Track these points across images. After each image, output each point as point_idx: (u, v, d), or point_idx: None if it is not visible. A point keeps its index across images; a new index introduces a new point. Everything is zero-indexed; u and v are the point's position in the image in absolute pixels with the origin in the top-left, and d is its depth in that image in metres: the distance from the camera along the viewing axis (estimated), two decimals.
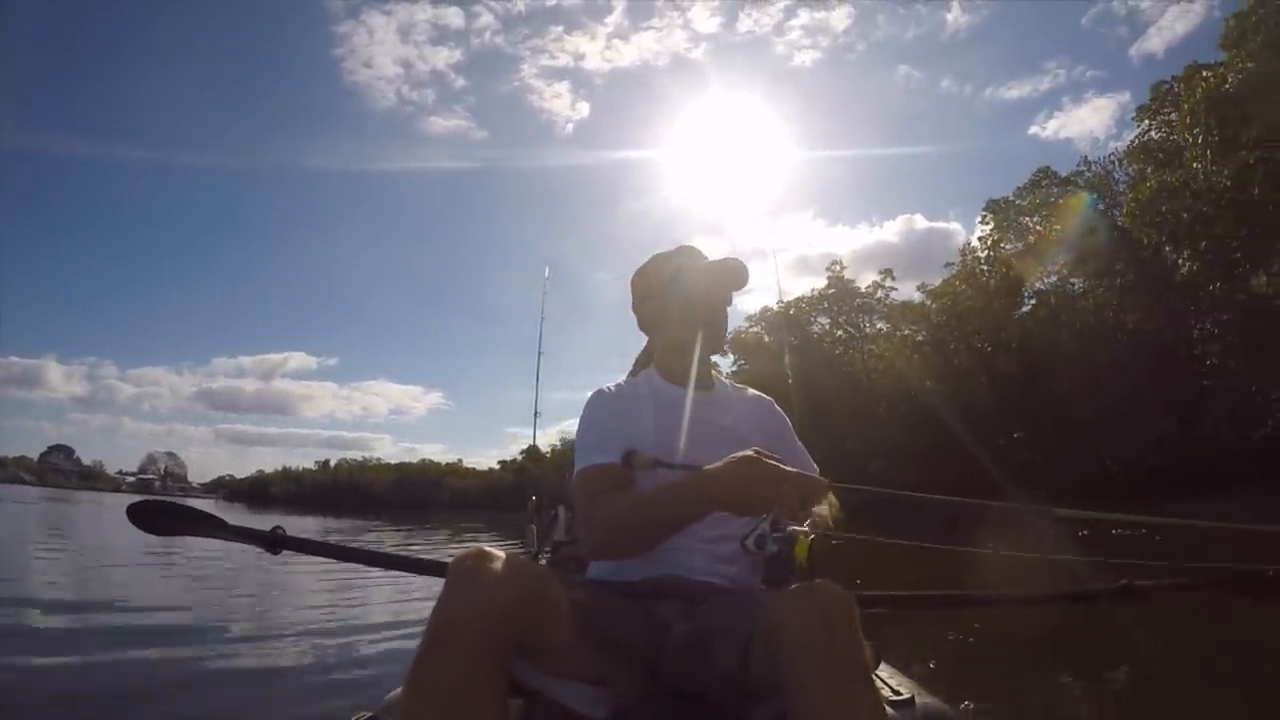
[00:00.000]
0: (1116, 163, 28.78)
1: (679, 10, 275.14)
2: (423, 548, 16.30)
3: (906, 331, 34.06)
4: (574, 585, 1.43)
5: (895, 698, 1.55)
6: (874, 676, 1.35)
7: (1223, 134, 17.33)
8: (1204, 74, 18.94)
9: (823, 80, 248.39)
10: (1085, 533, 10.16)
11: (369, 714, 1.47)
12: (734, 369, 37.58)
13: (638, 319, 1.93)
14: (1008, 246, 30.34)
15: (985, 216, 31.59)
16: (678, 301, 1.79)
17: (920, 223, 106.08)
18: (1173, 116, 23.13)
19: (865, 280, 38.35)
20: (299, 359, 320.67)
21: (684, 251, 1.86)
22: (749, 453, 1.33)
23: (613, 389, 1.81)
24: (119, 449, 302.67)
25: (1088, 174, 29.74)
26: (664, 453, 1.54)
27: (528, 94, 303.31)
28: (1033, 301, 29.94)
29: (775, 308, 36.13)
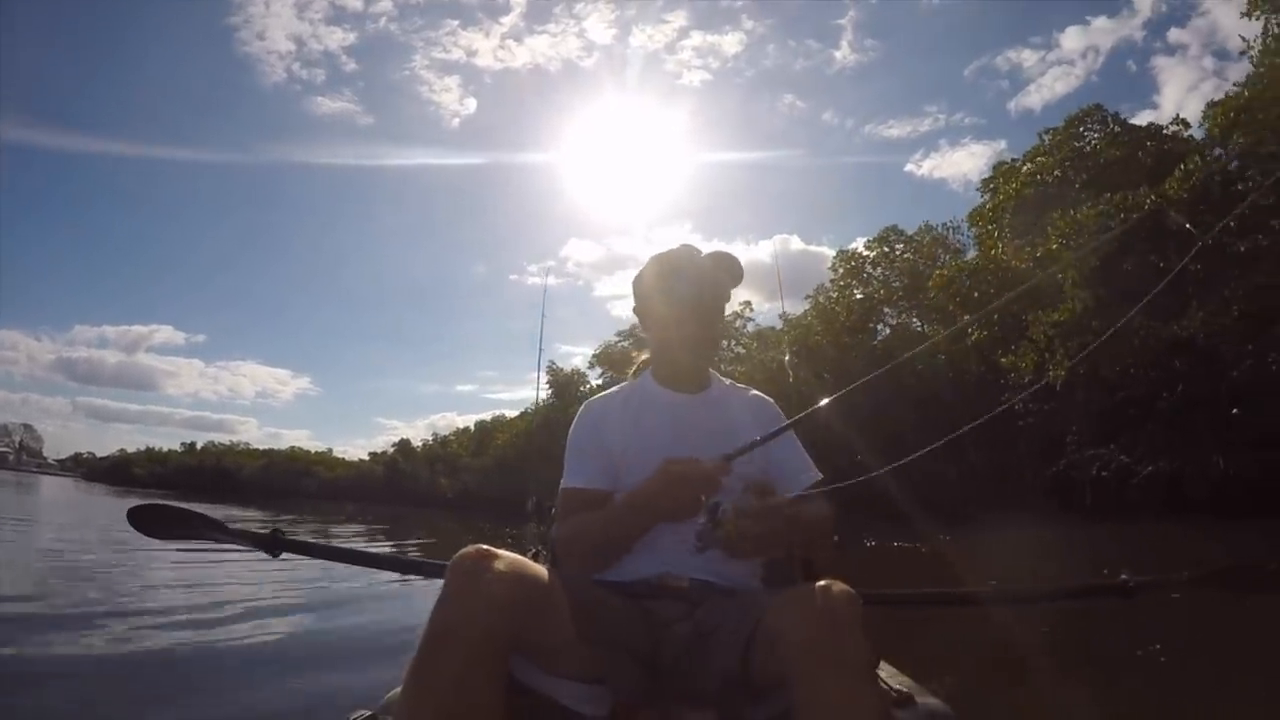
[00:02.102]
0: (953, 230, 32.25)
1: (575, 18, 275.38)
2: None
3: (761, 359, 36.16)
4: (573, 585, 1.39)
5: (894, 696, 1.57)
6: (877, 675, 1.40)
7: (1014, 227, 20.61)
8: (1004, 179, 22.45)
9: (710, 100, 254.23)
10: None
11: (369, 712, 1.46)
12: (600, 381, 39.28)
13: (639, 321, 1.90)
14: (858, 294, 32.89)
15: (834, 264, 34.23)
16: (667, 302, 1.76)
17: (795, 244, 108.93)
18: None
19: (739, 294, 40.08)
20: (166, 333, 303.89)
21: (679, 251, 1.82)
22: (669, 467, 1.45)
23: (598, 403, 1.81)
24: None
25: (932, 233, 32.90)
26: (639, 464, 1.59)
27: (417, 84, 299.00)
28: (878, 339, 32.49)
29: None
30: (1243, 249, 16.22)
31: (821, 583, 1.23)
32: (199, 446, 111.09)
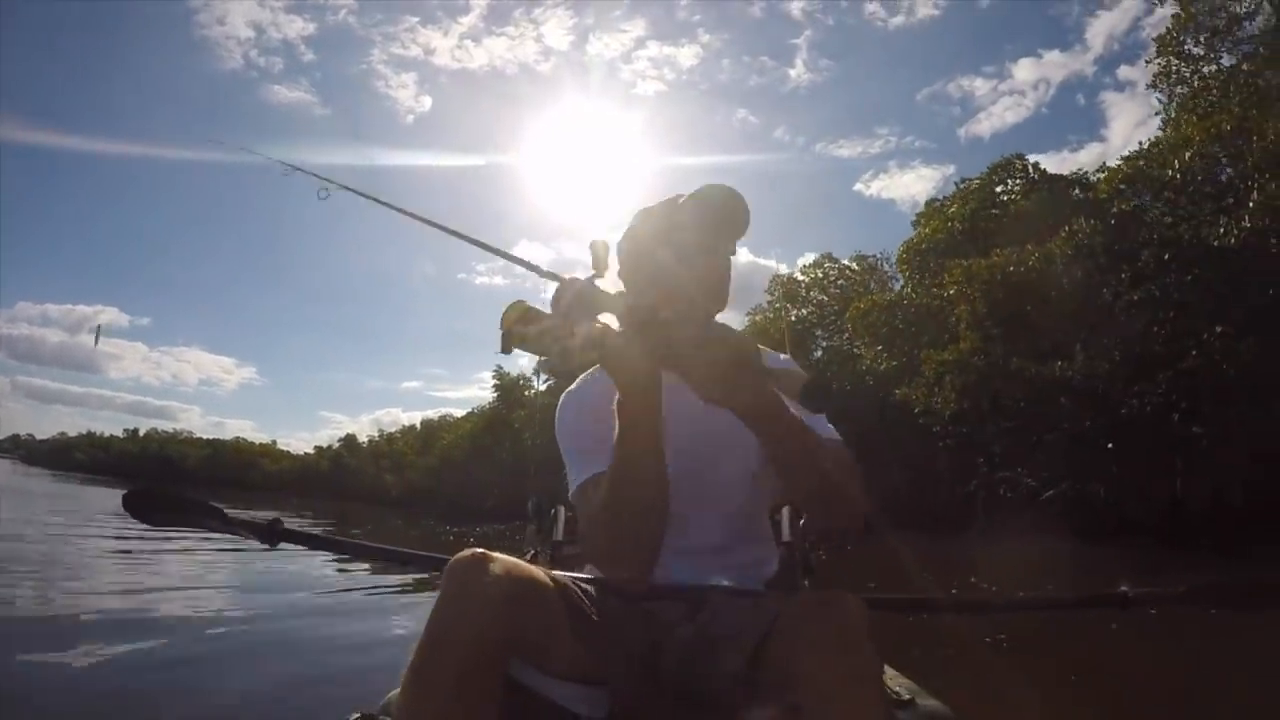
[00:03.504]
0: (884, 261, 34.24)
1: (534, 23, 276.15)
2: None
3: None
4: (573, 586, 1.37)
5: (895, 699, 1.58)
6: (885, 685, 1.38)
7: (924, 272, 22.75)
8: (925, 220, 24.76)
9: (664, 111, 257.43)
10: None
11: (367, 713, 1.46)
12: (545, 387, 40.18)
13: (624, 287, 1.60)
14: (793, 315, 34.54)
15: (771, 287, 36.19)
16: (664, 262, 1.51)
17: (744, 256, 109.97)
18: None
19: None
20: (111, 315, 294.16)
21: (673, 203, 1.55)
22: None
23: (577, 387, 1.65)
24: None
25: (866, 261, 34.92)
26: (677, 435, 1.42)
27: (374, 79, 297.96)
28: (813, 359, 34.20)
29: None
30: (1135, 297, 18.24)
31: (835, 592, 1.25)
32: (142, 433, 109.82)
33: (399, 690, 1.16)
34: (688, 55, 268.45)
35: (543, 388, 40.99)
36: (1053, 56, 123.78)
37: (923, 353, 20.22)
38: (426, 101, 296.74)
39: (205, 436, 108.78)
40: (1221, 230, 16.53)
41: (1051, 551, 14.34)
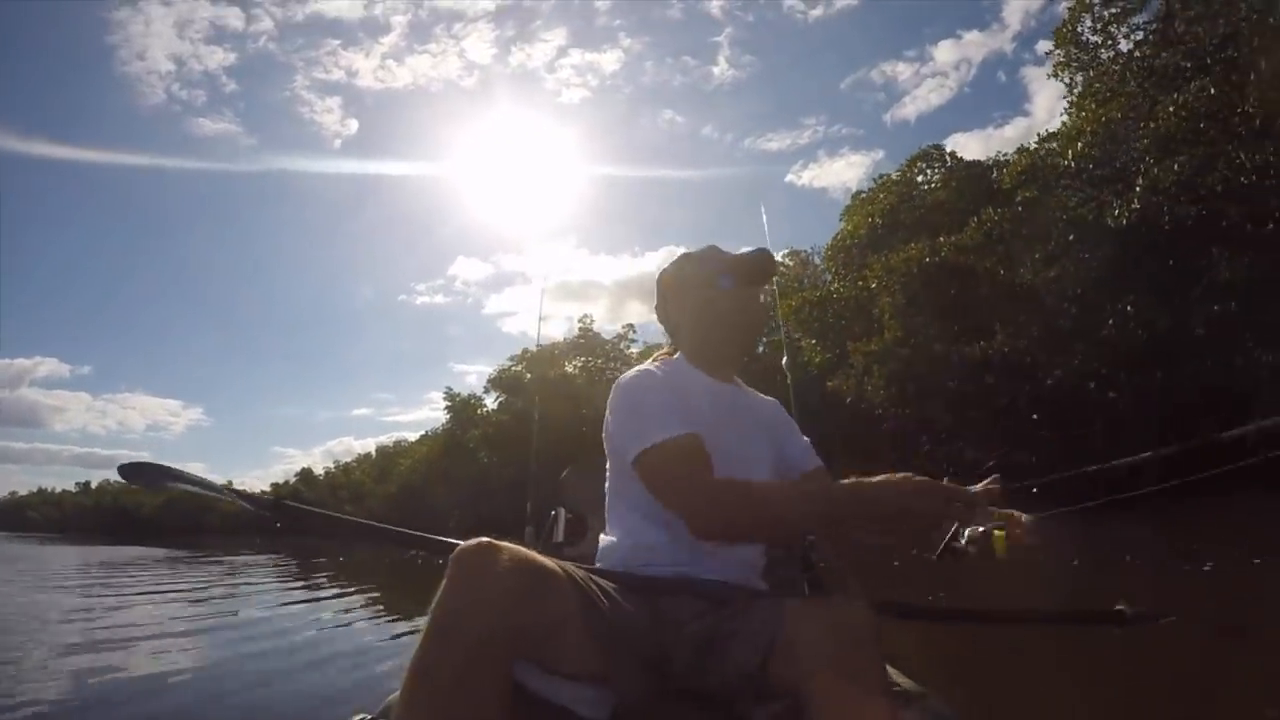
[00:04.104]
0: (817, 254, 35.21)
1: (455, 38, 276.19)
2: (200, 581, 14.75)
3: None
4: (584, 577, 1.37)
5: (899, 698, 1.56)
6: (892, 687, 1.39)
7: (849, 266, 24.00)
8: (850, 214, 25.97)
9: (590, 117, 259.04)
10: None
11: (368, 716, 1.45)
12: (497, 404, 40.82)
13: (663, 315, 1.90)
14: None
15: None
16: (724, 306, 1.75)
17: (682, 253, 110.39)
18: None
19: (628, 311, 41.42)
20: (50, 365, 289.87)
21: (715, 252, 1.83)
22: (914, 478, 1.32)
23: (658, 371, 1.73)
24: None
25: (798, 256, 35.95)
26: (720, 438, 1.58)
27: (298, 105, 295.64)
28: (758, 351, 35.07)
29: (533, 349, 38.57)
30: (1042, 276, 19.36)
31: (844, 598, 1.27)
32: (94, 485, 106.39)
33: (400, 690, 1.14)
34: (610, 60, 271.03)
35: (494, 406, 41.50)
36: (972, 36, 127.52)
37: (850, 345, 21.20)
38: (353, 124, 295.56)
39: None
40: (1115, 212, 17.63)
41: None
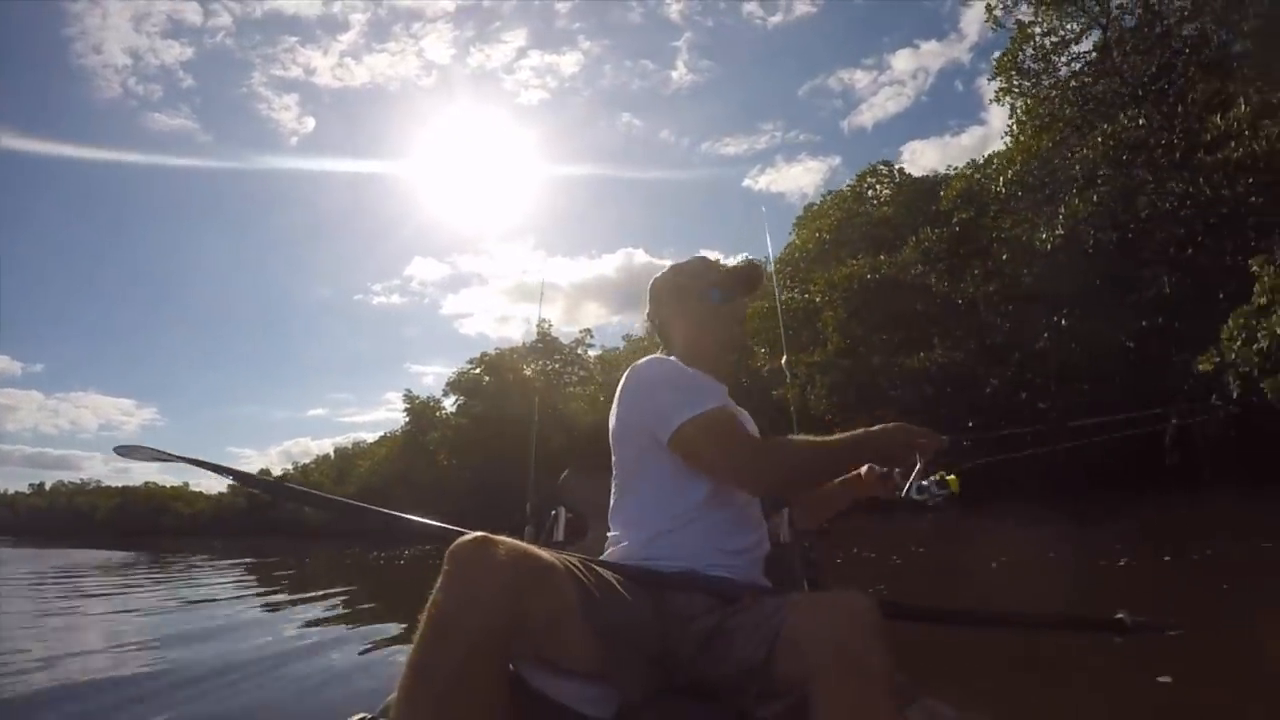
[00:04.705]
0: (768, 262, 36.19)
1: (413, 38, 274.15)
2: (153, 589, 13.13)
3: (606, 381, 38.56)
4: (580, 574, 1.33)
5: (902, 697, 1.48)
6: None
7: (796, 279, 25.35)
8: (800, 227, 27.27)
9: (549, 119, 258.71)
10: None
11: (368, 716, 1.44)
12: (456, 407, 41.19)
13: (657, 323, 1.91)
14: None
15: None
16: (717, 320, 1.79)
17: (640, 257, 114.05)
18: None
19: (585, 313, 41.82)
20: (3, 363, 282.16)
21: (707, 264, 1.87)
22: (891, 424, 1.58)
23: (659, 356, 1.78)
24: None
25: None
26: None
27: (255, 102, 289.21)
28: None
29: (492, 353, 39.86)
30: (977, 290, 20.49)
31: (848, 592, 1.25)
32: (48, 487, 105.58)
33: (397, 690, 1.12)
34: (569, 63, 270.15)
35: (453, 409, 41.90)
36: (930, 46, 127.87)
37: (792, 356, 22.19)
38: (310, 122, 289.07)
39: (114, 484, 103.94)
40: (1043, 236, 18.82)
41: (941, 519, 15.61)
